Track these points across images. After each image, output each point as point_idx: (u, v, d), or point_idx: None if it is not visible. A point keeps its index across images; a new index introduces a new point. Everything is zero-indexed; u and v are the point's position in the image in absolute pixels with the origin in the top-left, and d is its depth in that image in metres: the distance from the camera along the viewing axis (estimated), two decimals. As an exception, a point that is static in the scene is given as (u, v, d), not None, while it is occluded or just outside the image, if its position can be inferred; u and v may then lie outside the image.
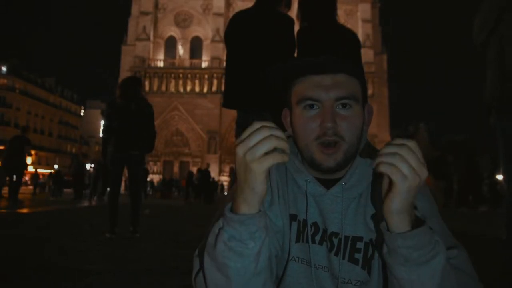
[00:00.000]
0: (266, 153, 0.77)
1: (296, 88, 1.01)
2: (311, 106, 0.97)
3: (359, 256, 0.97)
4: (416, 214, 0.84)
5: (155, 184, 35.66)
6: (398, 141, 0.77)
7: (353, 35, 3.12)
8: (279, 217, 1.02)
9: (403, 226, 0.79)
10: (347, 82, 0.97)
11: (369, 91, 44.90)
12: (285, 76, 1.03)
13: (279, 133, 0.78)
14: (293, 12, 3.30)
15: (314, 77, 0.98)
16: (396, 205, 0.78)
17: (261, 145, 0.76)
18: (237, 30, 3.28)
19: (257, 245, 0.83)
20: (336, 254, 0.98)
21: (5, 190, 10.61)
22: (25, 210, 9.21)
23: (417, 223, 0.81)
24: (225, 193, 30.48)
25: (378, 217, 0.90)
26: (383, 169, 0.76)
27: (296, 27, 3.12)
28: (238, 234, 0.82)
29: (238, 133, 3.37)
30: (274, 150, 0.77)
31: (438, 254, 0.79)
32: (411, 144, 0.76)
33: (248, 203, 0.82)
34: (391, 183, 0.77)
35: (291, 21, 3.26)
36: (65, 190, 21.27)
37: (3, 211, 8.90)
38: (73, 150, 66.95)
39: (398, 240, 0.79)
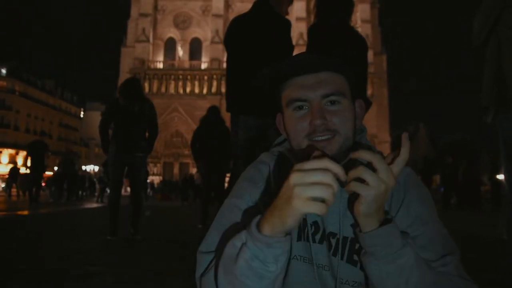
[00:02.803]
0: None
1: (284, 92, 1.02)
2: (300, 107, 0.98)
3: (358, 257, 0.96)
4: (387, 216, 0.86)
5: (156, 185, 35.65)
6: (367, 155, 0.79)
7: (361, 37, 3.16)
8: None
9: (370, 226, 0.83)
10: (332, 79, 0.97)
11: (369, 92, 44.93)
12: (271, 82, 1.03)
13: (336, 184, 0.73)
14: (293, 13, 3.31)
15: (299, 78, 0.98)
16: (364, 210, 0.81)
17: (317, 189, 0.71)
18: (236, 34, 3.30)
19: (278, 268, 0.82)
20: (334, 255, 0.98)
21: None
22: (25, 212, 9.21)
23: (385, 222, 0.84)
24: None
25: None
26: (353, 188, 0.78)
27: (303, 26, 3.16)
28: (263, 255, 0.80)
29: (242, 136, 3.38)
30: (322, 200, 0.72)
31: (406, 255, 0.82)
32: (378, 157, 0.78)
33: (276, 230, 0.80)
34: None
35: (289, 23, 3.29)
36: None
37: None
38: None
39: (366, 239, 0.84)
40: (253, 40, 3.17)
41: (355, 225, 0.89)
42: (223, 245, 0.90)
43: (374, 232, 0.83)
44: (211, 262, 0.95)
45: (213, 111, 6.76)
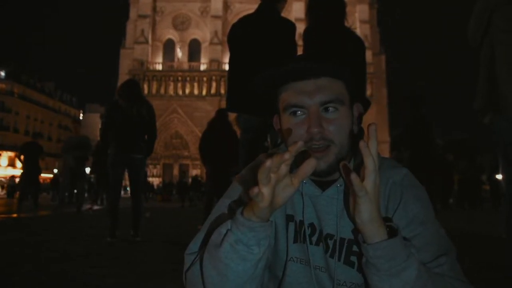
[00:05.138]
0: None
1: (282, 96, 1.01)
2: (296, 113, 0.97)
3: (355, 259, 0.97)
4: (392, 225, 0.86)
5: (155, 187, 35.60)
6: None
7: (358, 38, 3.15)
8: (271, 217, 1.03)
9: (378, 236, 0.83)
10: (331, 85, 0.97)
11: (368, 92, 44.90)
12: (269, 85, 1.03)
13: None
14: (292, 14, 3.32)
15: (297, 83, 0.98)
16: (365, 215, 0.82)
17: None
18: (239, 34, 3.31)
19: (261, 252, 0.85)
20: (332, 256, 0.99)
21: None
22: (26, 215, 9.20)
23: (391, 233, 0.84)
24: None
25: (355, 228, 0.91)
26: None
27: (303, 27, 3.15)
28: (246, 238, 0.84)
29: (243, 136, 3.38)
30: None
31: (410, 267, 0.82)
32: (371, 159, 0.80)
33: (260, 217, 0.83)
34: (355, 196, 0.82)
35: (293, 26, 3.29)
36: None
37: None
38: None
39: (369, 251, 0.83)
40: (256, 41, 3.18)
41: (356, 232, 0.89)
42: (208, 236, 0.93)
43: (378, 244, 0.82)
44: (196, 257, 0.98)
45: (221, 114, 6.73)
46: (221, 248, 0.86)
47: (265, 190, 0.78)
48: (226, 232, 0.86)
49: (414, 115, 6.14)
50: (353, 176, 0.79)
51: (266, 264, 0.91)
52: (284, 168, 0.78)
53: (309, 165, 0.79)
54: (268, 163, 0.75)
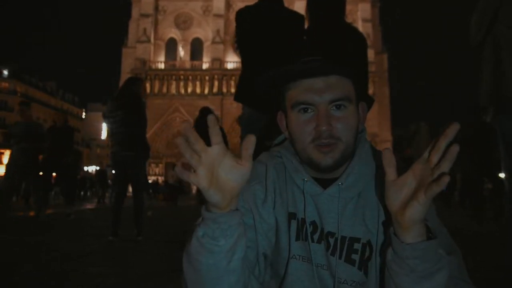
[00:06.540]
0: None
1: (289, 93, 1.01)
2: (305, 110, 0.98)
3: (356, 257, 0.98)
4: (428, 224, 0.83)
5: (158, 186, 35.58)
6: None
7: (360, 35, 3.12)
8: (272, 215, 1.03)
9: (417, 236, 0.79)
10: (340, 84, 0.97)
11: (370, 91, 44.84)
12: (276, 83, 1.03)
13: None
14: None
15: (306, 80, 0.98)
16: (420, 215, 0.77)
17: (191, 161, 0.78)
18: (247, 27, 3.27)
19: (228, 243, 0.83)
20: (333, 254, 0.99)
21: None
22: (29, 214, 9.22)
23: (428, 234, 0.81)
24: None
25: (388, 223, 0.89)
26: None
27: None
28: (211, 231, 0.83)
29: (245, 133, 3.35)
30: None
31: (443, 269, 0.80)
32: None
33: (216, 206, 0.82)
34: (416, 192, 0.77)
35: (302, 18, 3.26)
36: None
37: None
38: (75, 153, 66.84)
39: (407, 250, 0.79)
40: (258, 39, 3.14)
41: (387, 231, 0.87)
42: None
43: (419, 244, 0.79)
44: None
45: (205, 112, 6.73)
46: (191, 243, 0.86)
47: (199, 171, 0.76)
48: (195, 228, 0.86)
49: (475, 124, 6.26)
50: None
51: (244, 256, 0.88)
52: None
53: (248, 141, 0.78)
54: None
